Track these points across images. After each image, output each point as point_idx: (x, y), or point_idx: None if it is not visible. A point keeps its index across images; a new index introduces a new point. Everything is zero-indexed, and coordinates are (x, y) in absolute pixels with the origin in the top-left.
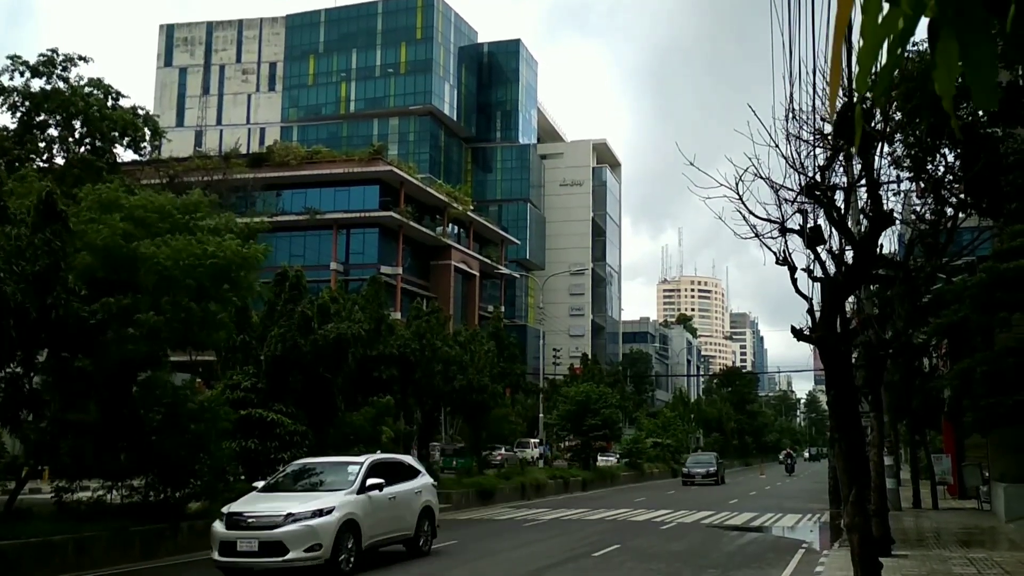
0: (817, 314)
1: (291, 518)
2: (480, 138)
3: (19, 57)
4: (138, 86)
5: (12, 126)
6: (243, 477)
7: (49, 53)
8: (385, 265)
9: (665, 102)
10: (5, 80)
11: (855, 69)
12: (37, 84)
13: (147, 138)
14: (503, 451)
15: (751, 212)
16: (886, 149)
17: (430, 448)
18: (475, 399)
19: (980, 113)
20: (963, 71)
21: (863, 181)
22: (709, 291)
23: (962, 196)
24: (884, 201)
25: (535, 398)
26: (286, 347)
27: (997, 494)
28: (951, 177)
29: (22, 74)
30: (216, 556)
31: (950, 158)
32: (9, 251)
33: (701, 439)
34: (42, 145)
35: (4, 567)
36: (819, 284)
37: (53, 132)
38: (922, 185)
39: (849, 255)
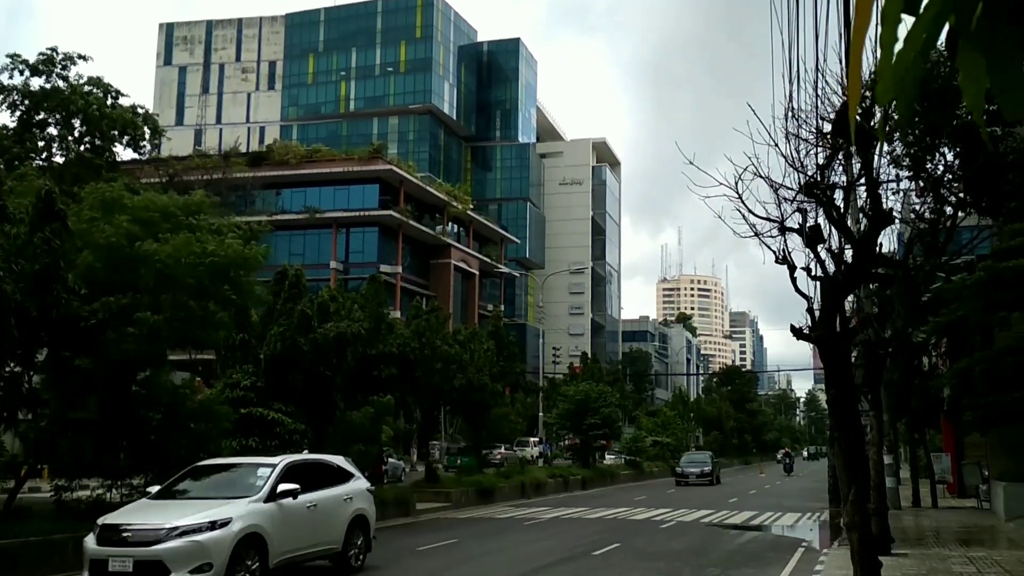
0: (816, 313)
1: (175, 532)
2: (480, 137)
3: (19, 56)
4: (138, 85)
5: (12, 125)
6: None
7: (49, 52)
8: (385, 264)
9: (665, 101)
10: (5, 79)
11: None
12: (37, 83)
13: (147, 137)
14: (503, 450)
15: (750, 211)
16: (885, 148)
17: (430, 446)
18: (475, 398)
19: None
20: (989, 83)
21: (862, 180)
22: (709, 290)
23: (961, 195)
24: (883, 200)
25: (535, 397)
26: (286, 346)
27: (996, 493)
28: (950, 176)
29: (22, 73)
30: None
31: (949, 157)
32: (8, 250)
33: (701, 438)
34: (41, 144)
35: (4, 566)
36: (818, 283)
37: (52, 131)
38: (921, 184)
39: (848, 254)
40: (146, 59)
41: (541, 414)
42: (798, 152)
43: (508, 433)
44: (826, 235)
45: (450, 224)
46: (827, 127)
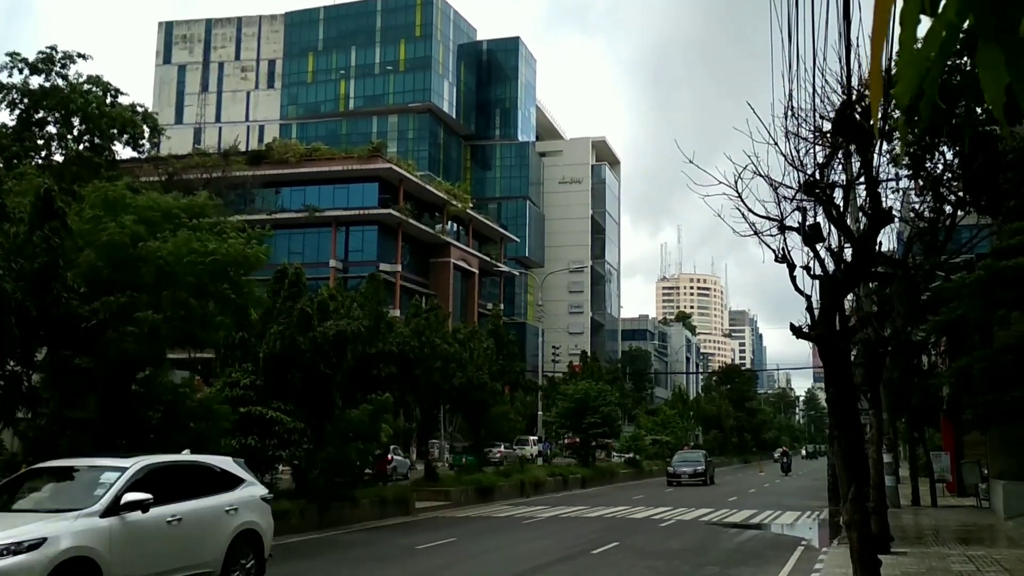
0: (816, 312)
1: None
2: (479, 136)
3: (18, 54)
4: (137, 83)
5: (11, 123)
6: None
7: (48, 50)
8: (384, 262)
9: (664, 100)
10: (4, 77)
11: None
12: (36, 81)
13: (146, 135)
14: (502, 448)
15: (750, 210)
16: (885, 147)
17: (429, 445)
18: (474, 396)
19: (978, 111)
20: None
21: (862, 179)
22: (708, 289)
23: (961, 194)
24: (883, 199)
25: (534, 395)
26: (285, 344)
27: (996, 491)
28: (950, 175)
29: (21, 71)
30: None
31: (949, 156)
32: (8, 249)
33: (700, 437)
34: (41, 142)
35: None
36: (818, 282)
37: (52, 129)
38: (921, 183)
39: (848, 253)
40: (145, 58)
41: (540, 413)
42: (798, 151)
43: (507, 432)
44: (825, 234)
45: (450, 223)
46: (827, 126)
